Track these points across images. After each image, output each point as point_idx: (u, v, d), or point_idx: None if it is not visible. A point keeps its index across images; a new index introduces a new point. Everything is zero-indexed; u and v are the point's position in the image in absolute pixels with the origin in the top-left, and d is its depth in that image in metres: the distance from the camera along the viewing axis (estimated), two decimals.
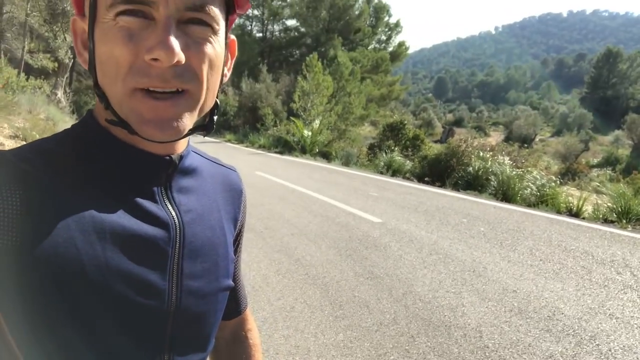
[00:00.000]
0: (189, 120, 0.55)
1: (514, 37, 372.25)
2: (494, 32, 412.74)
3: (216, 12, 0.54)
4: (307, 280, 3.90)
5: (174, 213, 0.61)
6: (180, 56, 0.50)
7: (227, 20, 0.59)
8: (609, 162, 34.22)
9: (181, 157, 0.64)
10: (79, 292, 0.50)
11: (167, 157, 0.61)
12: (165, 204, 0.61)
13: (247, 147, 19.16)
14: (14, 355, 0.50)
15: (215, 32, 0.55)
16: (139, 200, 0.58)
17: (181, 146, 0.64)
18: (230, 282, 0.71)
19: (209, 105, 0.60)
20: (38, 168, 0.53)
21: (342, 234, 5.32)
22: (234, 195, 0.77)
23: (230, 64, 0.66)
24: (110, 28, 0.52)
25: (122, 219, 0.55)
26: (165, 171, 0.62)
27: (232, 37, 0.65)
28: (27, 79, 14.39)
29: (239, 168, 0.85)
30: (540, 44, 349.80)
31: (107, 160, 0.58)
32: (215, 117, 0.63)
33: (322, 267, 4.21)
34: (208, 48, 0.54)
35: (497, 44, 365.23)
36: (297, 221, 5.87)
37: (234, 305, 0.83)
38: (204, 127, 0.62)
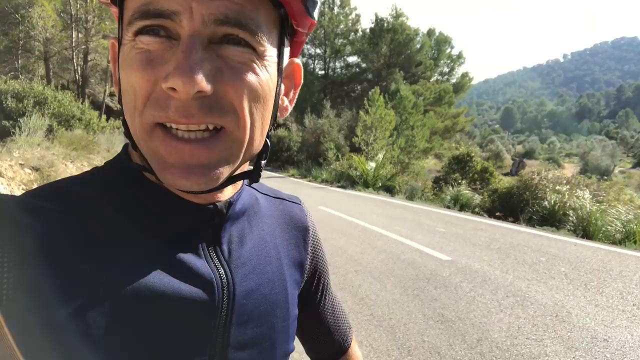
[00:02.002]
0: (226, 167, 0.44)
1: (584, 64, 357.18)
2: (562, 59, 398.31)
3: (260, 30, 0.43)
4: (372, 321, 3.70)
5: (222, 269, 0.50)
6: (204, 85, 0.39)
7: (282, 42, 0.47)
8: None
9: (230, 204, 0.53)
10: None
11: (211, 206, 0.51)
12: (212, 259, 0.50)
13: (310, 181, 19.30)
14: None
15: (259, 55, 0.44)
16: (178, 255, 0.48)
17: (229, 191, 0.53)
18: (291, 347, 0.59)
19: (257, 146, 0.48)
20: (52, 213, 0.43)
21: (409, 272, 5.07)
22: (299, 234, 0.65)
23: (293, 94, 0.55)
24: (130, 51, 0.42)
25: (153, 278, 0.45)
26: (210, 222, 0.51)
27: (297, 61, 0.54)
28: (107, 120, 15.50)
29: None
30: (615, 70, 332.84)
31: (138, 207, 0.48)
32: (264, 162, 0.51)
33: (388, 308, 3.99)
34: (249, 75, 0.43)
35: (566, 72, 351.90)
36: (361, 257, 5.69)
37: (338, 344, 0.74)
38: (248, 174, 0.50)
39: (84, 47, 23.43)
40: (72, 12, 22.15)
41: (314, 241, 0.68)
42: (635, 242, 7.43)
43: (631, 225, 7.90)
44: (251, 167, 0.52)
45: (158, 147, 0.42)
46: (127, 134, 0.46)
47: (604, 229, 8.20)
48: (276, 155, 28.25)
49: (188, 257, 0.48)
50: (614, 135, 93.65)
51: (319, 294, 0.70)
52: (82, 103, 14.47)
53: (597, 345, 3.30)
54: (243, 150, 0.45)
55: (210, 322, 0.48)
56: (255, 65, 0.43)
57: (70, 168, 8.20)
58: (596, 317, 3.86)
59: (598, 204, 9.23)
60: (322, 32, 34.83)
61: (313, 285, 0.68)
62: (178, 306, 0.45)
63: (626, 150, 73.37)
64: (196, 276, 0.48)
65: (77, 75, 24.08)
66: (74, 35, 22.66)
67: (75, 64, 23.83)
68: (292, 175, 21.92)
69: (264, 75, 0.45)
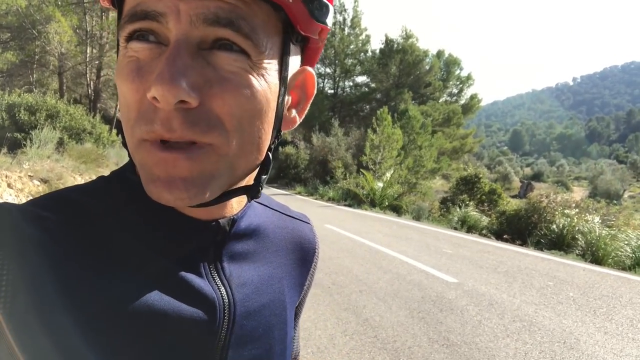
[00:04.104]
0: (212, 182, 0.41)
1: (594, 88, 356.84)
2: (571, 83, 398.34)
3: (257, 34, 0.39)
4: (376, 343, 3.64)
5: (223, 289, 0.48)
6: (184, 94, 0.36)
7: (285, 48, 0.44)
8: None
9: (234, 221, 0.51)
10: None
11: (214, 223, 0.48)
12: (213, 278, 0.48)
13: (316, 199, 19.27)
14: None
15: (254, 63, 0.40)
16: (178, 273, 0.46)
17: (233, 207, 0.51)
18: None
19: (253, 162, 0.45)
20: (55, 223, 0.42)
21: (414, 294, 5.01)
22: (305, 255, 0.63)
23: (304, 105, 0.51)
24: (122, 59, 0.40)
25: (154, 296, 0.43)
26: (212, 239, 0.49)
27: (309, 70, 0.50)
28: (117, 134, 15.66)
29: None
30: (625, 94, 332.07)
31: (139, 222, 0.46)
32: (265, 177, 0.47)
33: (393, 330, 3.93)
34: (241, 86, 0.39)
35: (575, 95, 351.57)
36: (366, 277, 5.63)
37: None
38: (246, 190, 0.47)
39: (97, 62, 23.82)
40: (88, 29, 22.58)
41: (316, 265, 0.66)
42: None
43: None
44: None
45: (146, 158, 0.40)
46: (125, 145, 0.44)
47: (613, 254, 8.08)
48: (283, 173, 28.31)
49: (189, 276, 0.47)
50: (623, 159, 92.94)
51: (299, 311, 0.68)
52: (93, 117, 14.64)
53: None
54: (232, 167, 0.42)
55: (209, 342, 0.46)
56: (249, 74, 0.40)
57: (79, 180, 8.26)
58: (605, 345, 3.77)
59: (607, 229, 9.11)
60: (333, 51, 35.14)
61: (298, 303, 0.66)
62: (178, 326, 0.44)
63: (636, 174, 72.67)
64: (197, 295, 0.46)
65: (89, 90, 24.42)
66: (88, 51, 23.06)
67: (88, 79, 24.20)
68: (299, 193, 21.91)
69: (260, 85, 0.41)
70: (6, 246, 0.39)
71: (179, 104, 0.37)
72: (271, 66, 0.42)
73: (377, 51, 34.55)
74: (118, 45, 0.42)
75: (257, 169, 0.47)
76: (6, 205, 0.42)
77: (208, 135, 0.39)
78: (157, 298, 0.43)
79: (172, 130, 0.37)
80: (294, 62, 0.47)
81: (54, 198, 0.46)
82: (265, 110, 0.42)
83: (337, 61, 35.80)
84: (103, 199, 0.47)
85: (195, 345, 0.45)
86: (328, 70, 36.91)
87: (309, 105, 0.51)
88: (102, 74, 24.43)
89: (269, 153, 0.47)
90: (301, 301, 0.66)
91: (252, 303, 0.51)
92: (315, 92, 0.51)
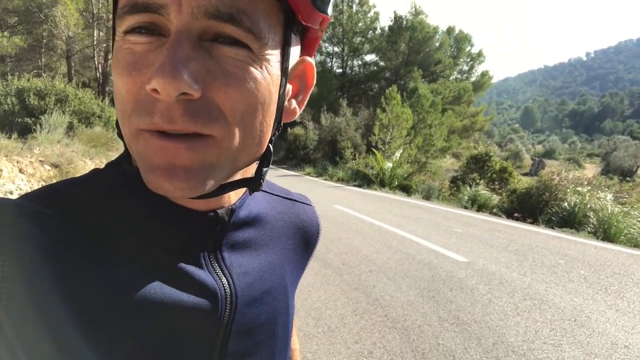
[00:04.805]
0: (213, 174, 0.40)
1: (608, 63, 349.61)
2: (585, 58, 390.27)
3: (258, 27, 0.39)
4: (387, 322, 3.67)
5: (224, 279, 0.48)
6: (186, 86, 0.35)
7: (287, 39, 0.43)
8: None
9: (232, 211, 0.50)
10: None
11: (212, 214, 0.48)
12: (213, 268, 0.48)
13: (325, 180, 19.27)
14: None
15: (257, 55, 0.39)
16: (178, 264, 0.46)
17: (232, 197, 0.50)
18: (289, 353, 0.58)
19: (254, 154, 0.44)
20: (51, 218, 0.42)
21: (424, 273, 5.02)
22: (307, 237, 0.63)
23: (304, 96, 0.50)
24: (118, 51, 0.39)
25: (154, 288, 0.43)
26: (211, 230, 0.49)
27: (309, 60, 0.49)
28: None
29: (317, 201, 0.72)
30: (639, 68, 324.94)
31: (137, 214, 0.46)
32: (266, 170, 0.47)
33: (403, 309, 3.95)
34: (243, 77, 0.39)
35: (589, 70, 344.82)
36: (376, 257, 5.65)
37: None
38: (247, 182, 0.47)
39: (104, 45, 23.79)
40: (94, 11, 22.50)
41: (317, 243, 0.67)
42: None
43: None
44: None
45: (145, 148, 0.39)
46: (120, 135, 0.43)
47: (625, 231, 8.01)
48: (292, 154, 28.31)
49: (189, 267, 0.46)
50: (637, 135, 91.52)
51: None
52: (102, 100, 14.67)
53: (618, 352, 3.22)
54: (234, 159, 0.42)
55: (212, 332, 0.47)
56: (252, 67, 0.39)
57: (89, 165, 8.32)
58: (616, 322, 3.76)
59: (620, 206, 9.02)
60: (341, 30, 34.66)
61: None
62: (179, 316, 0.44)
63: None
64: (198, 286, 0.46)
65: (97, 73, 24.47)
66: (95, 34, 23.02)
67: (96, 62, 24.22)
68: (308, 174, 21.93)
69: (263, 77, 0.40)
70: (3, 242, 0.39)
71: (180, 95, 0.36)
72: (273, 57, 0.41)
73: (386, 29, 34.04)
74: (114, 33, 0.42)
75: (258, 161, 0.47)
76: (1, 201, 0.42)
77: (209, 127, 0.38)
78: (157, 289, 0.43)
79: (172, 122, 0.37)
80: (294, 52, 0.46)
81: (49, 192, 0.45)
82: (268, 102, 0.42)
83: (345, 40, 35.34)
84: (98, 191, 0.47)
85: (197, 335, 0.45)
86: (336, 49, 36.49)
87: (308, 96, 0.51)
88: (109, 57, 24.43)
89: (270, 145, 0.46)
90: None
91: (254, 291, 0.51)
92: (314, 82, 0.51)
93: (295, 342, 0.76)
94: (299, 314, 3.75)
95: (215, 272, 0.48)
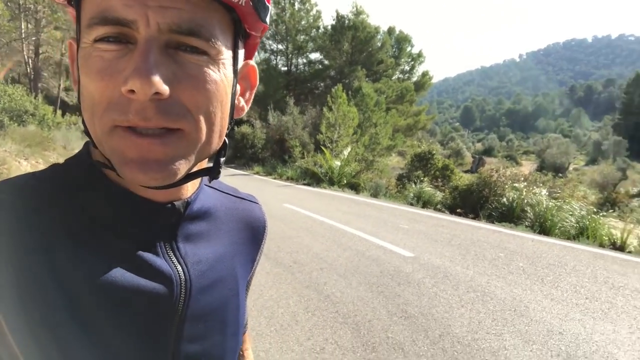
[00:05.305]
0: (183, 164, 0.46)
1: (539, 64, 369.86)
2: (518, 59, 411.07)
3: (213, 36, 0.45)
4: (338, 318, 3.72)
5: (179, 267, 0.52)
6: (161, 86, 0.41)
7: (236, 45, 0.49)
8: None
9: (188, 204, 0.54)
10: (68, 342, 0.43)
11: (169, 205, 0.52)
12: (169, 256, 0.52)
13: (275, 179, 19.19)
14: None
15: (214, 60, 0.46)
16: (137, 252, 0.49)
17: (189, 190, 0.55)
18: (240, 339, 0.63)
19: (215, 146, 0.50)
20: (14, 208, 0.45)
21: (373, 269, 5.13)
22: (255, 233, 0.68)
23: (249, 95, 0.57)
24: (88, 56, 0.43)
25: (115, 275, 0.46)
26: (168, 221, 0.53)
27: (252, 63, 0.56)
28: (62, 116, 14.93)
29: (267, 201, 0.75)
30: (567, 70, 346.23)
31: (98, 205, 0.49)
32: (223, 159, 0.53)
33: (353, 305, 4.02)
34: (204, 79, 0.45)
35: (522, 71, 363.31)
36: (326, 255, 5.71)
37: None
38: (208, 171, 0.52)
39: (34, 38, 22.40)
40: (20, 2, 21.10)
41: (265, 238, 0.72)
42: (588, 237, 7.77)
43: (584, 221, 8.25)
44: (210, 164, 0.54)
45: (119, 143, 0.43)
46: (87, 132, 0.47)
47: (559, 224, 8.54)
48: (240, 153, 27.92)
49: (147, 255, 0.50)
50: (567, 134, 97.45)
51: (249, 284, 0.72)
52: (34, 98, 13.86)
53: (553, 338, 3.43)
54: (199, 150, 0.47)
55: (168, 315, 0.51)
56: (210, 69, 0.45)
57: (25, 165, 7.85)
58: (552, 310, 4.01)
59: (554, 201, 9.59)
60: (284, 27, 34.56)
61: (249, 277, 0.71)
62: (139, 300, 0.48)
63: (579, 148, 76.64)
64: (155, 272, 0.50)
65: (28, 69, 23.01)
66: (23, 26, 21.60)
67: (25, 57, 22.76)
68: (257, 173, 21.76)
69: (220, 78, 0.46)
70: None
71: (153, 95, 0.41)
72: (227, 61, 0.48)
73: (329, 27, 34.29)
74: (79, 41, 0.45)
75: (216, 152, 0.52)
76: None
77: (179, 122, 0.44)
78: (117, 274, 0.47)
79: (147, 119, 0.42)
80: (241, 56, 0.53)
81: (10, 184, 0.48)
82: (225, 100, 0.48)
83: (289, 37, 35.24)
84: (59, 184, 0.50)
85: (154, 318, 0.49)
86: (280, 46, 36.33)
87: (253, 95, 0.57)
88: (40, 52, 23.05)
89: (226, 138, 0.52)
90: (251, 275, 0.71)
91: (206, 279, 0.55)
92: (258, 82, 0.58)
93: (251, 356, 0.80)
94: (251, 314, 3.73)
95: (171, 260, 0.52)
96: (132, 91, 0.40)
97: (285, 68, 37.09)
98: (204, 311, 0.55)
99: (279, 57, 36.97)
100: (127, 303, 0.47)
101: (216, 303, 0.56)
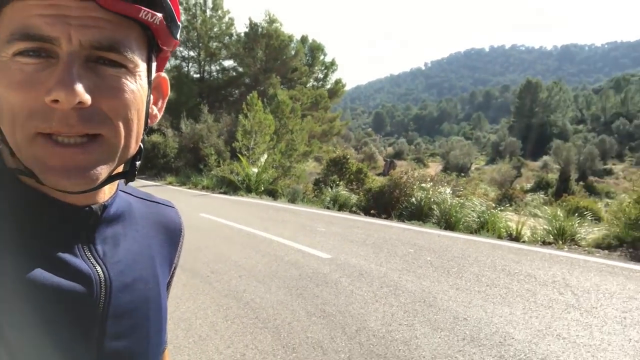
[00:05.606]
0: (104, 169, 0.49)
1: (442, 72, 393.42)
2: (423, 67, 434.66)
3: (131, 51, 0.49)
4: (258, 324, 3.75)
5: (98, 267, 0.54)
6: (83, 96, 0.44)
7: (150, 58, 0.54)
8: (540, 186, 36.29)
9: (104, 207, 0.57)
10: None
11: (87, 208, 0.54)
12: (88, 257, 0.54)
13: (189, 188, 18.65)
14: None
15: (131, 72, 0.50)
16: (56, 254, 0.51)
17: (105, 194, 0.58)
18: (164, 337, 0.66)
19: (132, 150, 0.54)
20: None
21: (292, 273, 5.20)
22: (171, 235, 0.71)
23: (162, 104, 0.61)
24: (8, 69, 0.46)
25: (35, 275, 0.48)
26: (85, 223, 0.55)
27: (163, 75, 0.61)
28: None
29: (182, 211, 0.78)
30: (468, 77, 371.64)
31: (15, 209, 0.51)
32: (138, 163, 0.57)
33: (273, 309, 4.07)
34: (123, 89, 0.49)
35: (427, 79, 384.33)
36: (245, 262, 5.69)
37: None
38: (124, 174, 0.56)
39: None
40: None
41: (182, 243, 0.75)
42: (488, 230, 8.44)
43: (485, 215, 8.97)
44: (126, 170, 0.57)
45: (40, 152, 0.46)
46: (4, 141, 0.49)
47: (463, 220, 9.20)
48: (151, 163, 26.70)
49: (66, 256, 0.52)
50: (469, 136, 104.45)
51: (169, 286, 0.75)
52: None
53: (459, 324, 3.72)
54: (119, 154, 0.51)
55: (90, 313, 0.53)
56: (127, 81, 0.49)
57: None
58: (457, 299, 4.33)
59: (457, 198, 10.31)
60: (196, 34, 33.75)
61: (169, 279, 0.74)
62: (61, 300, 0.50)
63: (480, 149, 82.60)
64: (75, 273, 0.52)
65: None
66: None
67: None
68: (170, 183, 21.00)
69: (136, 88, 0.50)
70: None
71: (77, 104, 0.44)
72: (142, 73, 0.52)
73: (242, 35, 34.07)
74: None
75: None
76: None
77: (99, 128, 0.47)
78: (38, 275, 0.48)
79: (70, 126, 0.45)
80: (154, 68, 0.57)
81: None
82: (141, 108, 0.52)
83: (201, 44, 34.45)
84: None
85: (77, 317, 0.51)
86: (192, 53, 35.37)
87: (165, 104, 0.62)
88: None
89: (141, 144, 0.56)
90: (171, 276, 0.73)
91: (126, 278, 0.58)
92: (169, 92, 0.63)
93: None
94: (169, 327, 3.62)
95: (90, 261, 0.54)
96: (56, 101, 0.43)
97: (198, 75, 36.20)
98: (126, 309, 0.57)
99: (190, 63, 35.98)
100: (49, 302, 0.48)
101: (138, 301, 0.59)
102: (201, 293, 4.50)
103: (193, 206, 11.62)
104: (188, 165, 24.20)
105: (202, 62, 35.91)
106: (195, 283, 4.79)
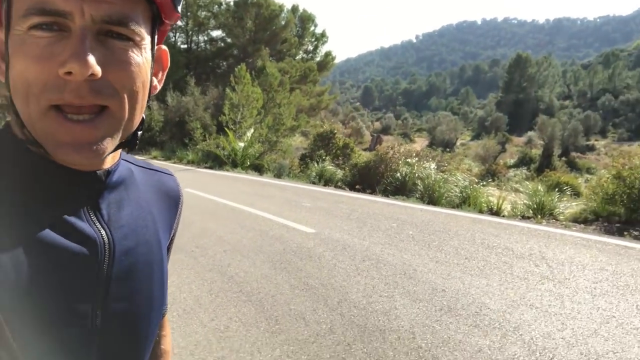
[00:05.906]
0: (110, 142, 0.53)
1: (433, 45, 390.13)
2: (415, 40, 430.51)
3: (138, 25, 0.52)
4: (241, 297, 3.83)
5: (103, 231, 0.58)
6: (95, 68, 0.47)
7: (154, 31, 0.57)
8: (523, 162, 36.80)
9: (108, 173, 0.60)
10: None
11: (92, 174, 0.58)
12: (93, 222, 0.57)
13: (175, 163, 18.58)
14: None
15: (138, 45, 0.53)
16: (63, 217, 0.55)
17: (109, 160, 0.61)
18: (165, 301, 0.69)
19: (136, 122, 0.57)
20: None
21: (276, 247, 5.29)
22: (171, 202, 0.74)
23: (162, 75, 0.65)
24: (23, 42, 0.49)
25: (44, 236, 0.52)
26: (91, 188, 0.59)
27: (164, 47, 0.64)
28: None
29: None
30: (458, 51, 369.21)
31: (23, 176, 0.54)
32: (140, 133, 0.60)
33: (257, 283, 4.16)
34: (130, 62, 0.52)
35: (418, 52, 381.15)
36: (230, 237, 5.76)
37: None
38: (126, 143, 0.59)
39: None
40: None
41: (181, 210, 0.78)
42: (469, 205, 8.60)
43: (467, 190, 9.12)
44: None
45: (52, 127, 0.49)
46: (15, 113, 0.52)
47: (446, 195, 9.34)
48: None
49: (72, 220, 0.55)
50: (457, 111, 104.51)
51: (169, 251, 0.79)
52: None
53: (437, 295, 3.85)
54: (125, 127, 0.54)
55: (94, 275, 0.56)
56: (134, 54, 0.52)
57: None
58: (436, 271, 4.47)
59: (442, 174, 10.44)
60: (184, 2, 32.70)
61: (168, 244, 0.77)
62: (67, 260, 0.53)
63: (466, 124, 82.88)
64: (81, 236, 0.55)
65: None
66: None
67: None
68: (155, 157, 20.87)
69: (142, 61, 0.53)
70: None
71: (89, 76, 0.47)
72: (147, 46, 0.55)
73: (232, 4, 33.34)
74: (8, 26, 0.50)
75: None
76: None
77: (108, 100, 0.50)
78: (47, 236, 0.52)
79: (81, 97, 0.48)
80: (156, 41, 0.60)
81: None
82: (145, 80, 0.55)
83: (189, 13, 33.66)
84: None
85: (82, 277, 0.55)
86: (180, 23, 34.63)
87: (165, 75, 0.65)
88: None
89: (143, 114, 0.59)
90: (171, 241, 0.77)
91: (129, 242, 0.61)
92: (169, 64, 0.66)
93: (169, 343, 0.86)
94: None
95: (95, 225, 0.57)
96: (69, 73, 0.46)
97: (185, 46, 35.52)
98: (129, 272, 0.59)
99: (177, 33, 35.27)
100: (56, 263, 0.51)
101: (141, 265, 0.61)
102: (185, 268, 4.57)
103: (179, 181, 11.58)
104: (173, 139, 23.99)
105: (190, 32, 35.20)
106: (179, 258, 4.85)
